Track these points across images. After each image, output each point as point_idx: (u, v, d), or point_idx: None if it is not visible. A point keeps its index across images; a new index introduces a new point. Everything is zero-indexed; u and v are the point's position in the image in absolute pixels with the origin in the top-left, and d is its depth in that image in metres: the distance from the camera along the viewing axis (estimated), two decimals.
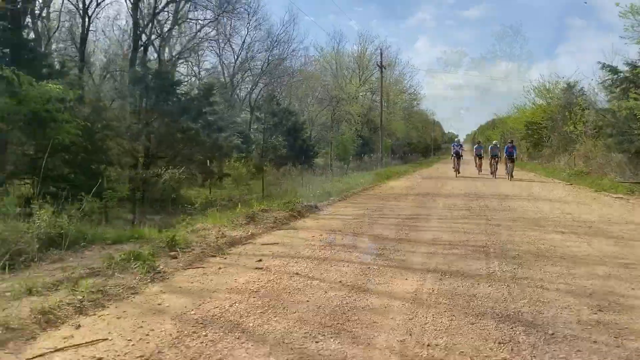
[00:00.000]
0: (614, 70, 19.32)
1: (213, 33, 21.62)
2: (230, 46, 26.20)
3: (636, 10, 16.48)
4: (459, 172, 19.77)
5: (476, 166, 21.97)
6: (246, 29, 24.55)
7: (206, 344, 2.54)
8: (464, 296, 3.36)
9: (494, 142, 22.27)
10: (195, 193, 12.85)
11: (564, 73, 78.47)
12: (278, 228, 6.33)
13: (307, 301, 3.26)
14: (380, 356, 2.39)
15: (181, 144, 12.29)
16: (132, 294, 3.44)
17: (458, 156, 20.69)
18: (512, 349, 2.46)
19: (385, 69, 30.06)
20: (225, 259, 4.60)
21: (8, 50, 9.57)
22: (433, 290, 3.50)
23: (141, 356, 2.39)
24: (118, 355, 2.41)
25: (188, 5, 17.44)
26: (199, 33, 20.47)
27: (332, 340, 2.59)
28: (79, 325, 2.81)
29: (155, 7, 13.61)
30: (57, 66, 10.30)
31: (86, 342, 2.57)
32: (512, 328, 2.74)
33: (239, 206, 7.63)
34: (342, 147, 29.35)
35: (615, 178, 15.93)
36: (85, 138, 9.09)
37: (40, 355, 2.41)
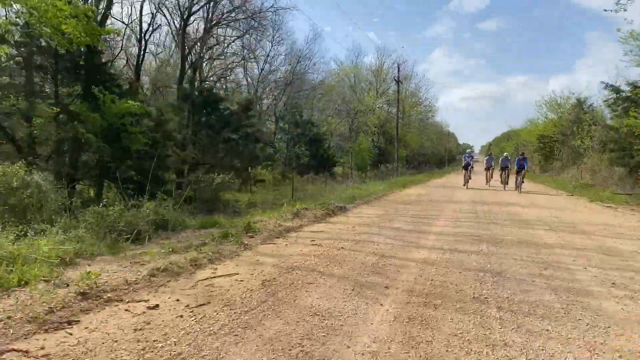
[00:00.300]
0: (616, 89, 20.87)
1: (238, 47, 23.67)
2: (255, 59, 28.22)
3: (635, 37, 18.01)
4: (468, 184, 19.56)
5: (486, 178, 21.83)
6: (270, 44, 26.48)
7: (298, 276, 4.31)
8: (457, 261, 5.09)
9: (505, 154, 22.22)
10: (231, 196, 14.72)
11: (582, 86, 79.51)
12: (318, 222, 8.10)
13: (354, 261, 5.02)
14: (404, 283, 4.13)
15: (222, 153, 14.17)
16: (236, 255, 5.24)
17: (469, 168, 20.34)
18: (480, 283, 4.19)
19: (402, 83, 31.75)
20: (286, 239, 6.39)
21: (84, 71, 11.53)
22: (437, 258, 5.22)
23: (263, 280, 4.17)
24: (249, 279, 4.19)
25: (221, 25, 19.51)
26: (227, 48, 22.55)
27: (374, 277, 4.35)
28: (216, 268, 4.61)
29: (204, 30, 15.66)
30: (126, 85, 12.29)
31: (227, 274, 4.36)
32: (484, 275, 4.47)
33: (284, 205, 9.42)
34: (360, 156, 31.11)
35: (615, 190, 17.34)
36: (150, 147, 11.00)
37: (206, 279, 4.22)
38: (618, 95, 20.84)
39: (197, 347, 2.70)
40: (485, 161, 23.68)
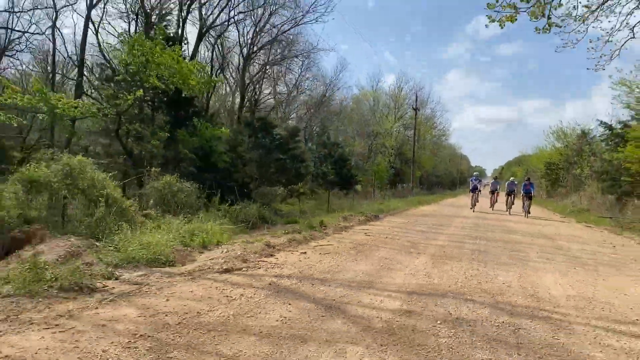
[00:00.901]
0: (609, 127, 24.22)
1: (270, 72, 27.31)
2: (285, 83, 31.91)
3: (624, 84, 21.39)
4: (475, 207, 20.14)
5: (491, 201, 22.14)
6: (300, 69, 30.02)
7: (367, 247, 7.73)
8: (460, 246, 8.46)
9: (511, 178, 22.77)
10: (279, 205, 18.19)
11: (598, 112, 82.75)
12: (363, 224, 11.53)
13: (396, 243, 8.42)
14: (429, 252, 7.52)
15: (273, 169, 17.72)
16: (323, 237, 8.68)
17: (476, 191, 20.79)
18: (472, 254, 7.57)
19: (418, 110, 35.29)
20: (348, 232, 9.81)
21: (184, 104, 15.13)
22: (448, 244, 8.59)
23: (351, 247, 7.60)
24: (340, 246, 7.62)
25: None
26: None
27: (411, 249, 7.75)
28: (316, 244, 8.04)
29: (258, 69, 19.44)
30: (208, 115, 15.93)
31: (326, 244, 7.81)
32: (476, 252, 7.84)
33: (332, 212, 12.85)
34: (378, 176, 34.54)
35: (602, 214, 20.49)
36: (229, 164, 14.55)
37: (316, 245, 7.65)
38: (610, 132, 24.16)
39: (333, 265, 6.11)
40: (490, 184, 23.81)
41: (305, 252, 6.87)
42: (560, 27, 6.84)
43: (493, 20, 6.47)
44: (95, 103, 12.75)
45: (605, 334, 3.76)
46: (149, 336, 3.17)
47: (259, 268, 5.70)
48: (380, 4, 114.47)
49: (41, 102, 10.45)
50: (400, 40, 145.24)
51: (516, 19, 6.81)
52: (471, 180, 21.81)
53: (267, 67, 20.51)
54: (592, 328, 3.89)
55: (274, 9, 19.27)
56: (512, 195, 20.31)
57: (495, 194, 22.15)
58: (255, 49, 19.40)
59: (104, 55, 15.26)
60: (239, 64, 19.50)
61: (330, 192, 20.94)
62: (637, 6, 7.23)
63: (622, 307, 4.64)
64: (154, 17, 15.07)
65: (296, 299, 4.29)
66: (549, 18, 6.70)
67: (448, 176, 65.41)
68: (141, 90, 11.40)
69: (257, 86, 21.10)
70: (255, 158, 16.97)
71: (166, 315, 3.65)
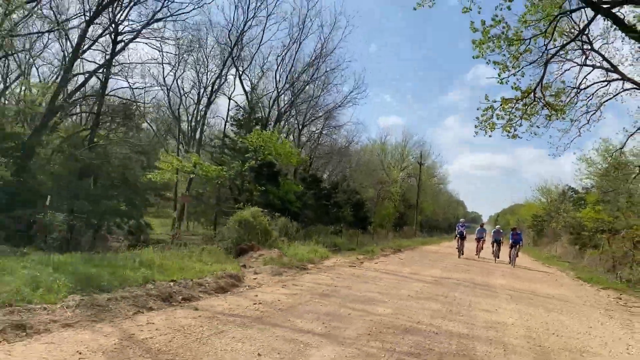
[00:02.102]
0: (575, 191, 31.86)
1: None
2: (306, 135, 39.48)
3: (584, 160, 29.08)
4: (462, 253, 21.01)
5: (476, 249, 22.73)
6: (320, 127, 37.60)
7: (406, 264, 14.95)
8: (456, 268, 15.69)
9: (497, 226, 24.37)
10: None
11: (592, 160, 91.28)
12: (393, 254, 18.76)
13: (420, 262, 15.65)
14: (441, 267, 14.72)
15: (320, 212, 24.98)
16: (378, 258, 15.92)
17: (462, 237, 21.45)
18: (465, 268, 14.81)
19: (422, 165, 43.02)
20: (389, 257, 17.05)
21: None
22: (448, 267, 15.79)
23: (398, 262, 14.85)
24: (392, 262, 14.85)
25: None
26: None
27: (430, 266, 14.97)
28: (378, 260, 15.26)
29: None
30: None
31: (383, 260, 15.05)
32: (466, 273, 15.08)
33: (366, 246, 20.05)
34: (385, 219, 41.82)
35: (564, 259, 27.75)
36: (300, 205, 21.78)
37: (377, 262, 14.89)
38: (576, 194, 31.79)
39: (395, 268, 13.29)
40: (476, 231, 24.40)
41: (377, 263, 14.11)
42: (521, 137, 14.25)
43: (479, 131, 13.90)
44: (221, 167, 19.93)
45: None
46: (323, 290, 10.35)
47: (362, 266, 12.91)
48: (382, 48, 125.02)
49: (199, 168, 17.83)
50: (402, 85, 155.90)
51: (495, 128, 14.32)
52: (457, 227, 22.50)
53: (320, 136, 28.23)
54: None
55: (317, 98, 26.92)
56: (499, 244, 21.16)
57: (481, 242, 22.75)
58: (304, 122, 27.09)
59: (225, 134, 22.74)
60: (298, 133, 27.11)
61: (358, 231, 28.16)
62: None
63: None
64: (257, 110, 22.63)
65: (389, 276, 11.45)
66: (514, 131, 14.16)
67: (446, 221, 72.76)
68: (253, 161, 18.84)
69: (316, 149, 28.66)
70: (312, 204, 24.27)
71: (333, 281, 10.84)
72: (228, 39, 21.19)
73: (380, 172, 47.83)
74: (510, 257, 19.58)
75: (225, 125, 23.83)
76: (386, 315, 6.36)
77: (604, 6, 13.48)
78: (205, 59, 23.01)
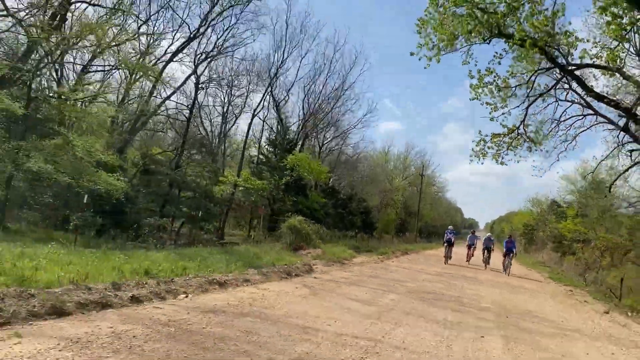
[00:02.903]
0: (557, 204, 36.96)
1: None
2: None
3: (565, 179, 34.22)
4: (450, 259, 21.87)
5: (467, 256, 23.74)
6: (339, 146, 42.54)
7: (414, 263, 19.92)
8: (449, 272, 20.66)
9: (488, 234, 26.03)
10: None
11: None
12: (402, 255, 23.71)
13: (426, 262, 20.61)
14: (442, 264, 19.67)
15: (338, 219, 29.95)
16: (392, 259, 20.88)
17: (450, 244, 22.37)
18: (457, 275, 19.81)
19: (423, 176, 48.07)
20: (399, 258, 22.01)
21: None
22: (443, 270, 20.74)
23: (407, 261, 19.81)
24: (404, 260, 19.81)
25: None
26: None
27: (433, 264, 19.93)
28: (394, 259, 20.22)
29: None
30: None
31: (397, 260, 20.02)
32: (458, 273, 20.08)
33: (378, 249, 25.01)
34: (388, 225, 46.79)
35: (547, 265, 32.81)
36: (323, 213, 26.73)
37: (393, 261, 19.85)
38: (559, 208, 36.90)
39: (410, 264, 18.23)
40: (468, 238, 25.55)
41: (393, 261, 19.06)
42: (507, 164, 19.21)
43: (473, 159, 18.89)
44: (263, 181, 24.71)
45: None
46: (370, 274, 15.29)
47: (384, 263, 17.87)
48: (383, 55, 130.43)
49: (248, 183, 22.73)
50: (403, 91, 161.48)
51: (486, 157, 19.35)
52: (446, 233, 23.54)
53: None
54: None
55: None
56: (489, 251, 22.39)
57: (472, 249, 23.79)
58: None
59: (261, 152, 27.63)
60: (316, 148, 32.07)
61: (365, 236, 33.12)
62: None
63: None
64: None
65: (405, 270, 16.40)
66: (502, 159, 19.11)
67: (444, 227, 77.74)
68: (289, 177, 23.76)
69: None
70: (331, 212, 29.20)
71: (371, 271, 15.80)
72: (268, 75, 26.14)
73: (384, 180, 52.79)
74: (504, 266, 20.78)
75: (259, 143, 28.69)
76: (414, 287, 11.32)
77: (569, 68, 18.63)
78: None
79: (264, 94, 26.19)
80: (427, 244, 45.04)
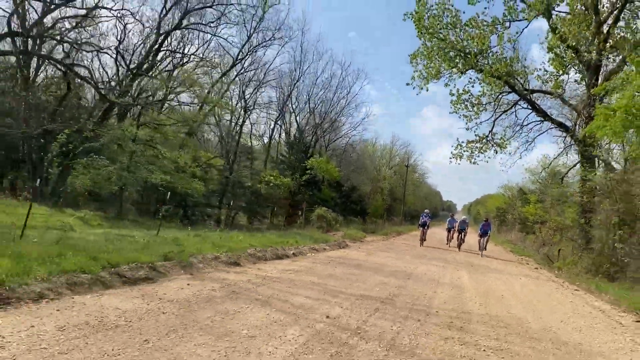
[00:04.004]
0: (523, 192, 44.91)
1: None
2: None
3: (528, 171, 41.99)
4: (424, 241, 24.26)
5: (447, 238, 26.78)
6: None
7: (412, 241, 27.31)
8: (435, 243, 28.15)
9: (463, 217, 29.16)
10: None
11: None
12: (398, 236, 31.16)
13: (413, 240, 28.02)
14: (428, 241, 27.13)
15: (343, 207, 37.25)
16: (394, 237, 28.25)
17: (424, 226, 24.53)
18: (433, 252, 27.32)
19: (408, 167, 55.58)
20: (398, 238, 29.43)
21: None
22: (429, 244, 28.19)
23: (404, 239, 27.19)
24: (402, 240, 27.19)
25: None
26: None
27: (415, 244, 27.38)
28: (397, 238, 27.58)
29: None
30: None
31: (396, 239, 27.41)
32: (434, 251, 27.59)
33: (377, 232, 32.40)
34: (376, 210, 54.23)
35: (511, 242, 40.74)
36: (332, 203, 33.99)
37: (397, 238, 27.22)
38: (524, 195, 44.85)
39: (408, 242, 25.55)
40: (447, 222, 28.15)
41: (395, 239, 26.44)
42: (478, 164, 26.65)
43: (452, 160, 26.28)
44: (289, 179, 31.47)
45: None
46: (386, 247, 22.58)
47: (389, 241, 25.19)
48: (361, 34, 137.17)
49: (277, 181, 29.74)
50: (381, 73, 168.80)
51: (462, 158, 26.77)
52: (421, 216, 25.74)
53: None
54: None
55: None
56: (464, 233, 24.79)
57: (452, 232, 26.32)
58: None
59: (281, 154, 34.43)
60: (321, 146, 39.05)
61: (361, 220, 40.38)
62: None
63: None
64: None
65: (407, 243, 23.72)
66: (474, 161, 26.50)
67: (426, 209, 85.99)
68: (307, 175, 30.85)
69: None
70: (338, 202, 36.39)
71: (384, 245, 23.11)
72: (287, 86, 32.95)
73: (372, 170, 60.13)
74: (480, 246, 23.05)
75: (277, 145, 35.46)
76: (416, 253, 18.63)
77: (524, 93, 26.15)
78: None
79: (283, 106, 32.98)
80: (412, 226, 52.69)
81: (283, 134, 35.82)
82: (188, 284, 7.01)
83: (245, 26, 26.46)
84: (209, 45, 26.91)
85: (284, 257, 12.18)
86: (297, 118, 34.33)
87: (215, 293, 6.62)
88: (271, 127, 33.53)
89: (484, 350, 5.34)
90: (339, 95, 36.09)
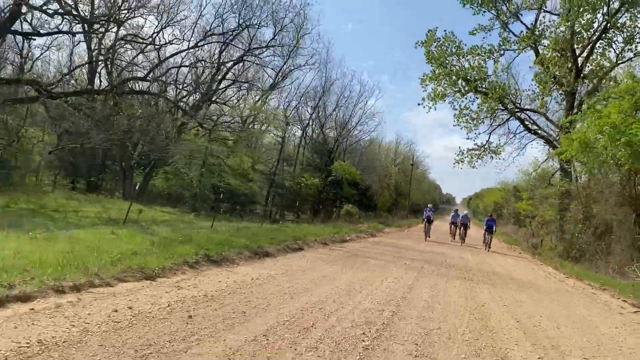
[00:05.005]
0: (517, 189, 51.51)
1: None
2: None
3: (522, 172, 48.54)
4: (429, 237, 26.01)
5: (450, 233, 28.39)
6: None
7: (413, 232, 33.89)
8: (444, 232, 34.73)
9: (465, 212, 31.73)
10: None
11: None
12: (409, 228, 37.71)
13: (420, 232, 34.57)
14: (435, 234, 33.69)
15: (360, 203, 43.86)
16: (408, 229, 34.80)
17: (429, 221, 26.13)
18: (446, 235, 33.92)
19: (412, 165, 62.11)
20: (411, 229, 35.94)
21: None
22: (440, 230, 34.71)
23: (418, 230, 33.74)
24: (415, 231, 33.78)
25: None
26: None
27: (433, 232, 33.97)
28: (410, 229, 34.13)
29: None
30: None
31: (409, 230, 34.01)
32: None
33: (400, 223, 38.96)
34: (384, 204, 60.77)
35: (508, 235, 47.44)
36: (352, 200, 40.55)
37: (411, 229, 33.78)
38: (518, 192, 51.46)
39: (420, 232, 32.08)
40: (451, 216, 29.86)
41: (408, 230, 32.98)
42: (477, 168, 33.08)
43: (455, 165, 32.75)
44: (318, 180, 37.86)
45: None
46: (406, 234, 29.13)
47: (404, 231, 31.75)
48: (357, 27, 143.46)
49: (309, 181, 36.29)
50: (380, 65, 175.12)
51: (464, 163, 33.31)
52: (425, 211, 27.61)
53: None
54: None
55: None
56: (465, 228, 26.42)
57: (454, 226, 28.36)
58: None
59: (308, 157, 40.81)
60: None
61: (371, 215, 46.87)
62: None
63: None
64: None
65: (419, 232, 30.20)
66: (474, 165, 33.06)
67: (426, 204, 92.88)
68: (333, 177, 37.39)
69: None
70: (356, 199, 42.82)
71: (404, 234, 29.66)
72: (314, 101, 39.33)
73: (380, 168, 66.65)
74: (484, 239, 24.87)
75: (304, 149, 41.83)
76: (430, 242, 25.08)
77: (515, 112, 32.68)
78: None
79: (310, 117, 39.40)
80: (416, 219, 59.30)
81: (309, 140, 42.20)
82: (330, 250, 13.66)
83: (282, 53, 32.65)
84: (249, 68, 33.28)
85: (347, 241, 18.67)
86: (323, 128, 40.67)
87: (347, 254, 13.23)
88: (299, 134, 39.93)
89: (477, 280, 11.87)
90: (355, 109, 42.54)
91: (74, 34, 23.74)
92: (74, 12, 21.06)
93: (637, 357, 5.91)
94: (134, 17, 22.91)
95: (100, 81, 25.70)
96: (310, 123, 39.51)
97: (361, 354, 4.62)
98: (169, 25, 25.01)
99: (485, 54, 31.79)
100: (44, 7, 21.03)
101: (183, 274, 7.56)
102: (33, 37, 23.99)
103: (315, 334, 5.10)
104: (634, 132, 16.36)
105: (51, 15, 21.38)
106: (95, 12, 22.46)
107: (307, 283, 8.33)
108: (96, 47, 24.95)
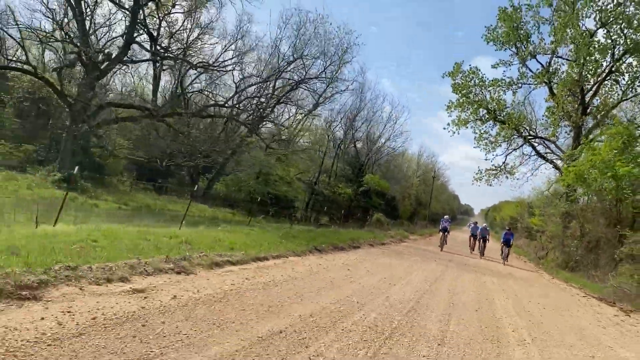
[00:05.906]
0: (530, 205, 56.45)
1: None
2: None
3: (536, 190, 53.49)
4: (445, 245, 27.60)
5: (470, 245, 29.89)
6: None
7: (439, 238, 39.19)
8: (459, 242, 39.93)
9: (484, 224, 33.26)
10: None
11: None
12: (430, 236, 42.98)
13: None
14: (452, 242, 38.94)
15: (386, 212, 49.34)
16: (428, 237, 40.11)
17: (445, 231, 27.49)
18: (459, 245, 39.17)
19: (434, 178, 67.32)
20: (432, 237, 41.21)
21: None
22: (459, 238, 39.93)
23: (437, 238, 39.11)
24: (435, 239, 39.10)
25: None
26: None
27: (449, 241, 39.22)
28: (429, 238, 39.46)
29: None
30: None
31: (430, 238, 39.33)
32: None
33: (422, 232, 44.32)
34: (405, 213, 66.02)
35: (524, 250, 52.50)
36: (381, 211, 46.02)
37: (432, 237, 39.12)
38: (531, 208, 56.39)
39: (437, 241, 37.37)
40: (470, 229, 31.79)
41: (430, 238, 38.29)
42: (492, 186, 38.23)
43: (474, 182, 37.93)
44: (350, 190, 43.28)
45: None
46: (430, 241, 34.49)
47: (427, 238, 37.11)
48: (382, 30, 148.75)
49: (343, 191, 41.88)
50: (402, 71, 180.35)
51: (482, 181, 38.61)
52: (441, 222, 28.82)
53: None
54: None
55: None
56: (485, 241, 27.68)
57: (474, 238, 29.92)
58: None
59: (341, 168, 46.33)
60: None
61: (395, 223, 52.26)
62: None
63: None
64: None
65: (430, 244, 35.56)
66: (491, 183, 38.31)
67: (445, 213, 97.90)
68: (363, 187, 42.88)
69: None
70: (383, 208, 48.19)
71: (426, 241, 35.04)
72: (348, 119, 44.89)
73: (402, 179, 71.93)
74: (502, 252, 26.08)
75: (337, 161, 47.36)
76: (448, 248, 30.44)
77: (529, 139, 37.96)
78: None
79: (344, 133, 44.98)
80: (435, 229, 64.43)
81: (341, 154, 47.85)
82: (378, 249, 19.30)
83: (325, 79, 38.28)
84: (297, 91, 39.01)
85: (385, 244, 24.14)
86: (355, 143, 46.25)
87: (393, 252, 18.83)
88: (334, 148, 45.48)
89: (484, 272, 17.28)
90: (385, 127, 48.14)
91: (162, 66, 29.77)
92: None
93: (581, 321, 11.26)
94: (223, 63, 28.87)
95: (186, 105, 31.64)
96: (344, 139, 44.93)
97: (424, 295, 10.14)
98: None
99: (505, 85, 37.09)
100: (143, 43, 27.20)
101: (312, 254, 13.23)
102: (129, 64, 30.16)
103: (399, 287, 10.71)
104: (618, 168, 21.59)
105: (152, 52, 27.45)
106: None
107: (378, 267, 13.96)
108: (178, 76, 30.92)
